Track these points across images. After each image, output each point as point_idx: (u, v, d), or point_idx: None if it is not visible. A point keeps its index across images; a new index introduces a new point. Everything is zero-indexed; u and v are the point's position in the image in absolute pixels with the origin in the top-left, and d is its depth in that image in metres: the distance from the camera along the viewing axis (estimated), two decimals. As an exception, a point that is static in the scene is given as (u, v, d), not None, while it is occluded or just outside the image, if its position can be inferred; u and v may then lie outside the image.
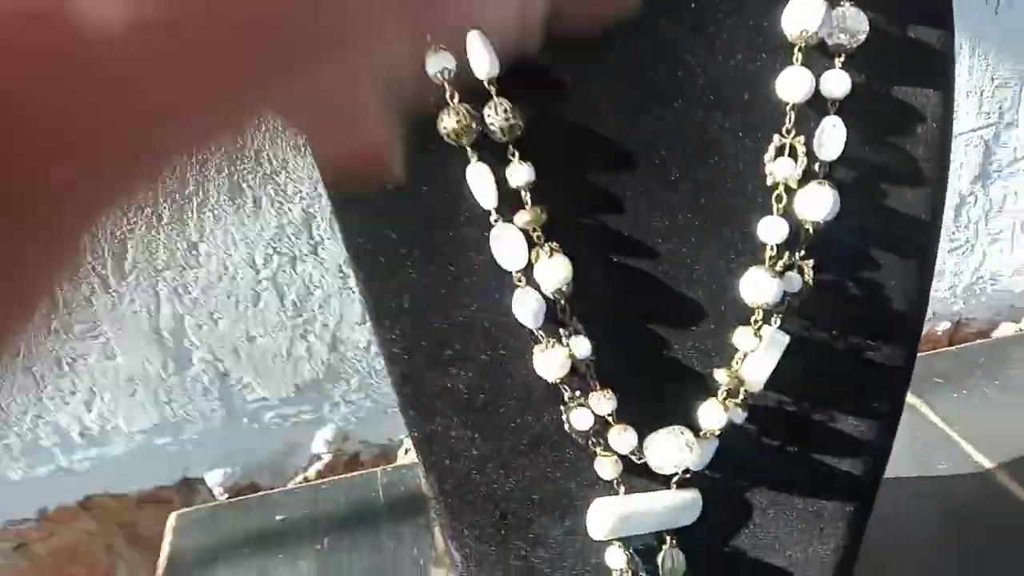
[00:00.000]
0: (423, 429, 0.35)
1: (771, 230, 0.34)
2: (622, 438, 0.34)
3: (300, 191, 0.58)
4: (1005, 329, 0.77)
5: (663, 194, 0.34)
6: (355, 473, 0.65)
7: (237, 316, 0.62)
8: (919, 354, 0.37)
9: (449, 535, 0.37)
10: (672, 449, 0.34)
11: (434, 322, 0.34)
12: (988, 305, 0.76)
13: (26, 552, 0.67)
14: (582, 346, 0.33)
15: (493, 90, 0.32)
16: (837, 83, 0.33)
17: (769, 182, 0.34)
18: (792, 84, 0.33)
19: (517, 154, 0.32)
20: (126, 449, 0.65)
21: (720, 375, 0.34)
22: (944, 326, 0.76)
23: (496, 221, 0.32)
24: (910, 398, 0.42)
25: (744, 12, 0.33)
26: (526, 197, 0.32)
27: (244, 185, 0.57)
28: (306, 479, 0.69)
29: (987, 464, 0.57)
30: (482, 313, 0.34)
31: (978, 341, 0.74)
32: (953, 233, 0.72)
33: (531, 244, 0.33)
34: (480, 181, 0.32)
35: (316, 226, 0.60)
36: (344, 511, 0.60)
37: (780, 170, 0.33)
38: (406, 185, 0.32)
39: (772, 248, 0.34)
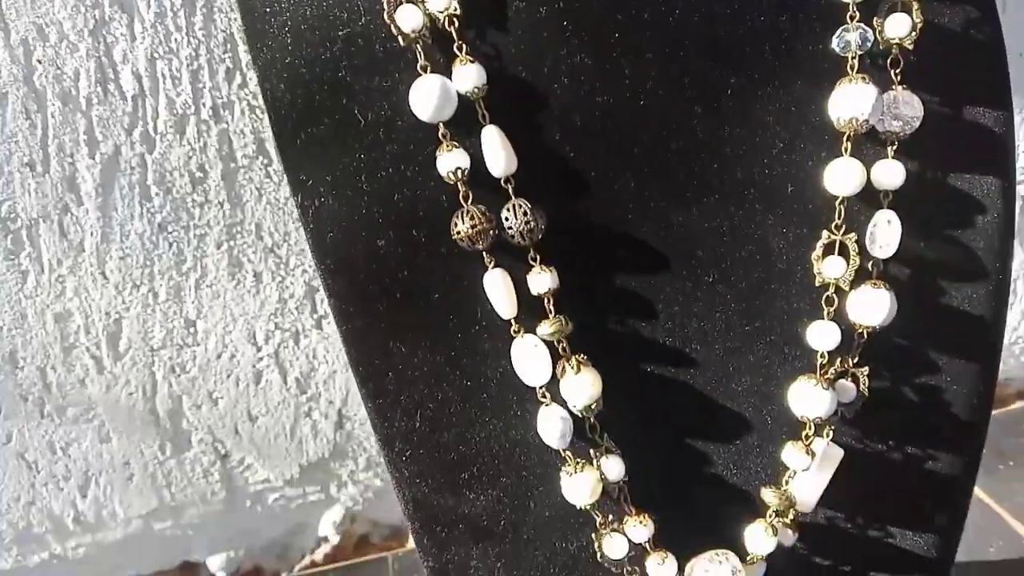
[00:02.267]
0: (439, 559, 0.31)
1: (822, 336, 0.30)
2: (661, 568, 0.31)
3: (303, 264, 0.55)
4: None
5: (699, 297, 0.31)
6: (364, 559, 0.62)
7: (237, 395, 0.59)
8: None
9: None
10: (716, 579, 0.31)
11: (448, 443, 0.31)
12: (1027, 364, 0.73)
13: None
14: (614, 467, 0.30)
15: (510, 188, 0.29)
16: (890, 174, 0.30)
17: (818, 283, 0.30)
18: (841, 176, 0.29)
19: (538, 258, 0.29)
20: (123, 535, 0.61)
21: (768, 495, 0.31)
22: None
23: (517, 332, 0.29)
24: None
25: (786, 98, 0.30)
26: (549, 305, 0.29)
27: (244, 259, 0.54)
28: (313, 563, 0.65)
29: (1042, 549, 0.53)
30: (502, 432, 0.31)
31: (1019, 404, 0.71)
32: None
33: (555, 356, 0.29)
34: (498, 289, 0.29)
35: (320, 299, 0.57)
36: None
37: (830, 270, 0.30)
38: (416, 293, 0.29)
39: (823, 355, 0.31)
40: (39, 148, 0.49)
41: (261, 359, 0.58)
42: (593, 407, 0.29)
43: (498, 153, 0.28)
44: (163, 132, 0.50)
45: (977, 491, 0.58)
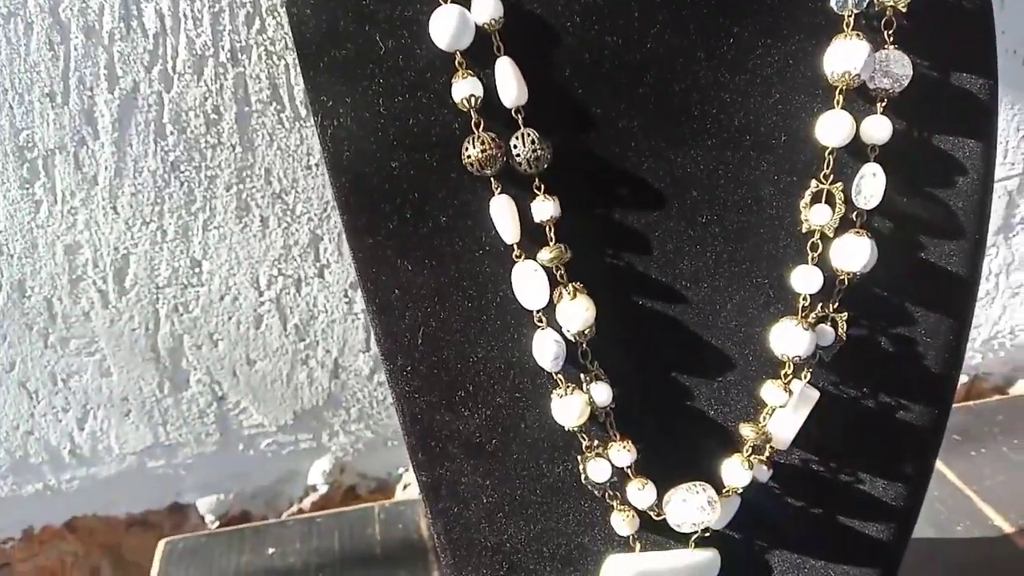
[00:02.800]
0: (431, 473, 0.33)
1: (805, 280, 0.32)
2: (641, 494, 0.32)
3: (308, 211, 0.57)
4: (1022, 387, 0.75)
5: (692, 237, 0.32)
6: (351, 507, 0.63)
7: (237, 338, 0.60)
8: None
9: (451, 585, 0.35)
10: (693, 507, 0.32)
11: (447, 360, 0.32)
12: (1006, 360, 0.75)
13: (9, 572, 0.65)
14: (602, 393, 0.32)
15: (520, 119, 0.30)
16: (878, 128, 0.31)
17: (804, 229, 0.32)
18: (832, 128, 0.31)
19: (543, 187, 0.31)
20: (116, 470, 0.63)
21: (746, 430, 0.33)
22: (961, 380, 0.74)
23: (518, 257, 0.31)
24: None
25: (784, 51, 0.31)
26: (550, 233, 0.31)
27: (252, 203, 0.56)
28: (301, 511, 0.66)
29: (1007, 528, 0.55)
30: (498, 353, 0.32)
31: (995, 397, 0.73)
32: (973, 285, 0.71)
33: (553, 283, 0.31)
34: (503, 214, 0.30)
35: (323, 248, 0.59)
36: (338, 548, 0.58)
37: (816, 217, 0.32)
38: (425, 214, 0.31)
39: (805, 298, 0.32)
40: (60, 80, 0.50)
41: (263, 303, 0.59)
42: (586, 332, 0.31)
43: (510, 83, 0.30)
44: (181, 72, 0.51)
45: (948, 474, 0.60)
